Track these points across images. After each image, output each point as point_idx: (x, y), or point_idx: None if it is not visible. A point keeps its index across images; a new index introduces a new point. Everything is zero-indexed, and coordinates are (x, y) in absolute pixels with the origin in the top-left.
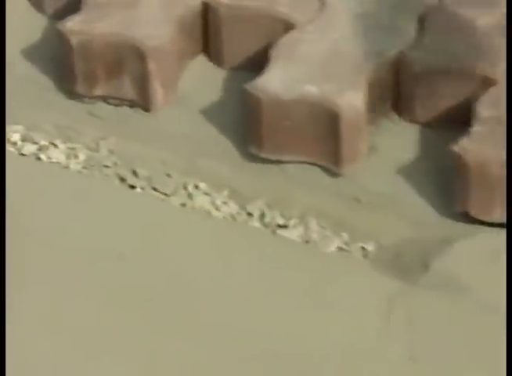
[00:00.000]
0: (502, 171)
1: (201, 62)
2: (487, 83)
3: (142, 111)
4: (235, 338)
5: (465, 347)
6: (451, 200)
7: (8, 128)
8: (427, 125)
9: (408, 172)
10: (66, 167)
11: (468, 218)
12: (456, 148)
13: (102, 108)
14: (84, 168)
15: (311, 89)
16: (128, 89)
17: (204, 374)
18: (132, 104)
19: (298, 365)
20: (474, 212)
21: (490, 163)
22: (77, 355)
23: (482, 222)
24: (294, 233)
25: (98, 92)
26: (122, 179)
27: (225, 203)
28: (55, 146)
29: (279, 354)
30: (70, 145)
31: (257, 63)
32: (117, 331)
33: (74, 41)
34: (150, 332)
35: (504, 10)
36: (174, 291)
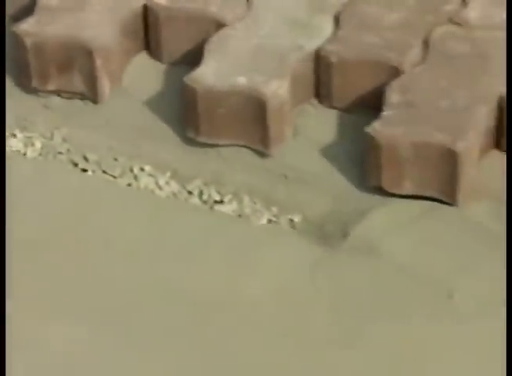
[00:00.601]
0: (410, 150)
1: (143, 58)
2: (395, 72)
3: (90, 103)
4: (174, 294)
5: (380, 301)
6: (366, 176)
7: None
8: (344, 110)
9: (328, 152)
10: (24, 154)
11: (381, 192)
12: (369, 130)
13: (55, 101)
14: (41, 154)
15: (241, 80)
16: (78, 84)
17: (148, 329)
18: (82, 97)
19: (234, 314)
20: (386, 186)
21: (399, 143)
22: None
23: (393, 195)
24: (229, 208)
25: (51, 86)
26: (75, 164)
27: (167, 183)
28: (14, 135)
29: (215, 306)
30: (27, 134)
31: (193, 58)
32: (64, 295)
33: (29, 41)
34: (98, 299)
35: (409, 7)
36: (123, 258)
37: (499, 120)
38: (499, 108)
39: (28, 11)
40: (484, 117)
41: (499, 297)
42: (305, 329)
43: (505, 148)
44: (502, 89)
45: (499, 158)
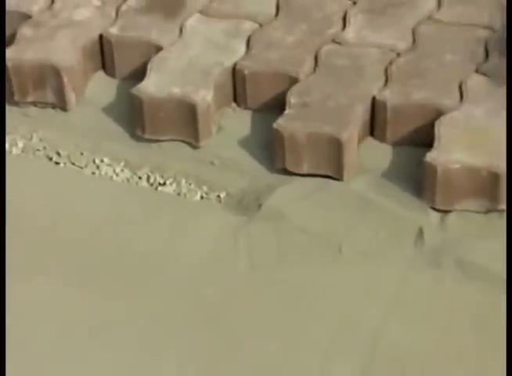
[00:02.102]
0: (306, 140)
1: (100, 75)
2: (293, 81)
3: (60, 111)
4: (129, 254)
5: (287, 257)
6: (274, 159)
7: None
8: (256, 111)
9: (245, 144)
10: (10, 152)
11: (286, 172)
12: (275, 125)
13: (32, 110)
14: (23, 152)
15: (176, 90)
16: (50, 96)
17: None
18: (54, 106)
19: (173, 267)
20: (289, 168)
21: (297, 134)
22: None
23: (295, 174)
24: (170, 189)
25: (29, 99)
26: (50, 158)
27: (122, 170)
28: None
29: (160, 261)
30: (11, 136)
31: (139, 74)
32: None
33: (9, 64)
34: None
35: (303, 32)
36: (89, 228)
37: (372, 115)
38: (372, 106)
39: (10, 41)
40: (361, 113)
41: (375, 250)
42: (229, 279)
43: (378, 136)
44: (375, 92)
45: (374, 144)
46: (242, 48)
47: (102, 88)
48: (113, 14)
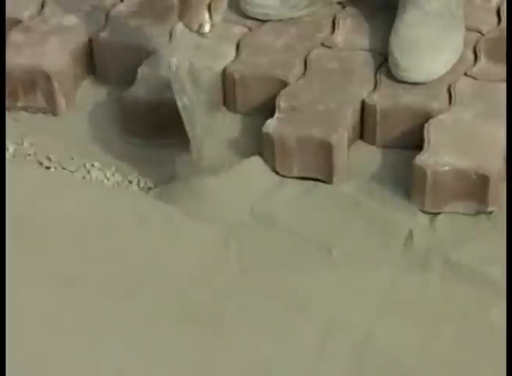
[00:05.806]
0: (296, 143)
1: (90, 80)
2: (283, 84)
3: (51, 116)
4: (116, 257)
5: (277, 259)
6: (265, 163)
7: None
8: (245, 115)
9: (235, 147)
10: None
11: (276, 175)
12: (264, 129)
13: (23, 115)
14: (14, 156)
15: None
16: (40, 101)
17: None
18: (44, 111)
19: (151, 278)
20: (279, 171)
21: (287, 137)
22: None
23: (285, 177)
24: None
25: (20, 104)
26: (40, 163)
27: (112, 175)
28: None
29: (142, 271)
30: None
31: (129, 78)
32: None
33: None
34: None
35: (292, 35)
36: (79, 233)
37: (361, 118)
38: (361, 109)
39: None
40: (351, 116)
41: (365, 252)
42: (220, 282)
43: (368, 139)
44: (364, 95)
45: (363, 147)
46: (232, 53)
47: (93, 92)
48: (103, 19)
